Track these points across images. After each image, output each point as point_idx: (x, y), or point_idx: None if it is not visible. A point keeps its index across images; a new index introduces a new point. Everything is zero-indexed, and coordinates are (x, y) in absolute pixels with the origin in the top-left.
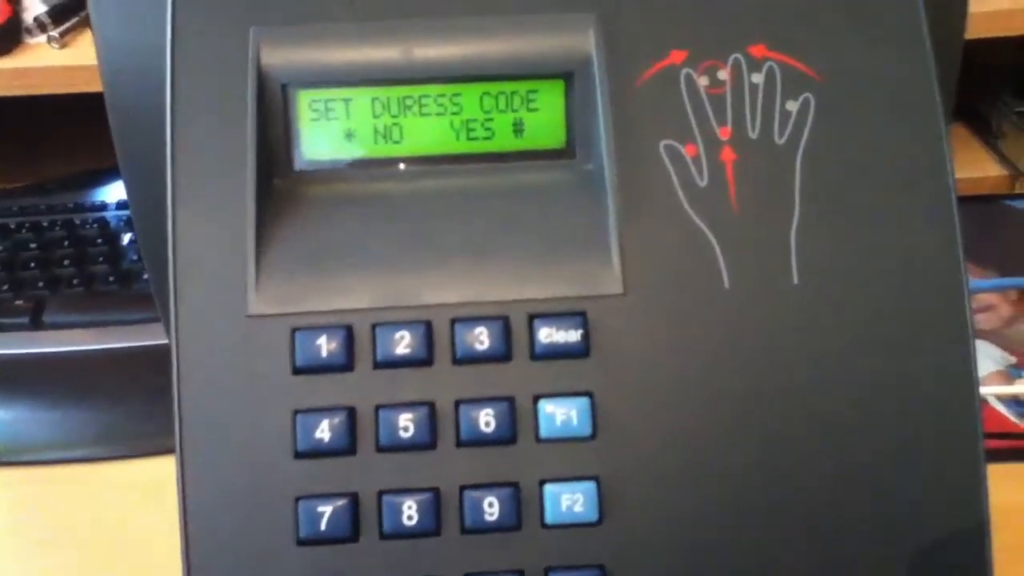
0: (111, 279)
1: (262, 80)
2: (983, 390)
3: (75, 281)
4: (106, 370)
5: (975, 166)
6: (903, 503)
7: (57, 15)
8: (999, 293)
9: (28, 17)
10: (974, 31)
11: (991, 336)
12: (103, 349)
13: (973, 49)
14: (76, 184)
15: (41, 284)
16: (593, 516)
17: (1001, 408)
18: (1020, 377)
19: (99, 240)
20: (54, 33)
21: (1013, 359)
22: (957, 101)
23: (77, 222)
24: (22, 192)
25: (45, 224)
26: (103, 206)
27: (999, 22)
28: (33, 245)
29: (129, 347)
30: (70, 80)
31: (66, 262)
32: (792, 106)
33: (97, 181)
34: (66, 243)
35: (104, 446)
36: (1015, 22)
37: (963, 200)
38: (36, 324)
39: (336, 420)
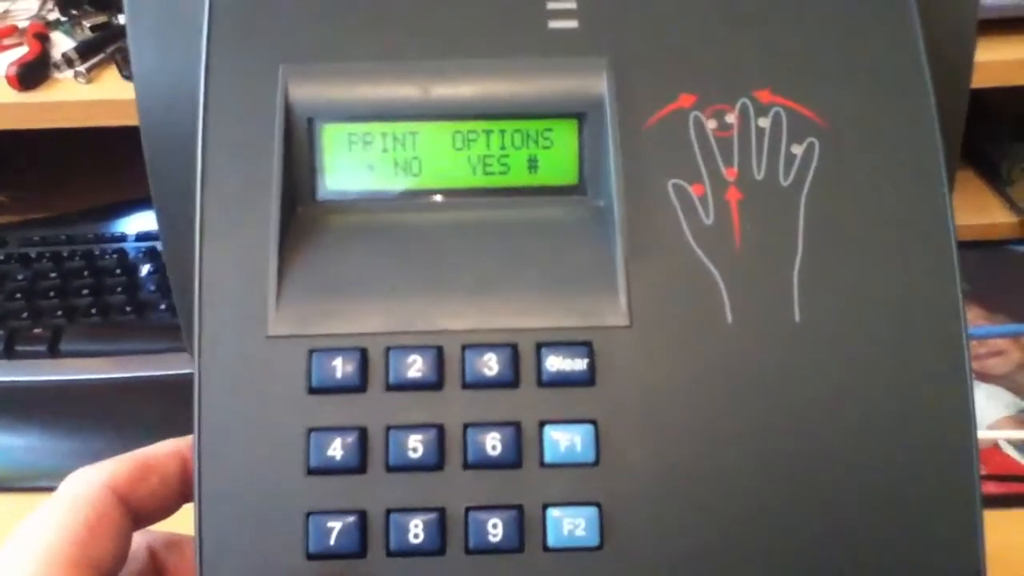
0: (128, 309)
1: (289, 114)
2: (995, 434)
3: (93, 311)
4: (122, 398)
5: (985, 212)
6: (897, 542)
7: (84, 51)
8: (1010, 338)
9: (56, 53)
10: (986, 80)
11: (1002, 381)
12: (119, 378)
13: (984, 97)
14: (97, 216)
15: (59, 313)
16: (594, 541)
17: (1012, 452)
18: None
19: (117, 271)
20: (81, 69)
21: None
22: (968, 147)
23: (96, 253)
24: (45, 223)
25: (65, 254)
26: (122, 237)
27: (1011, 72)
28: (53, 275)
29: (144, 376)
30: (95, 114)
31: (84, 292)
32: (797, 149)
33: (117, 213)
34: (85, 273)
35: None
36: None
37: (974, 246)
38: (53, 352)
39: (348, 439)
